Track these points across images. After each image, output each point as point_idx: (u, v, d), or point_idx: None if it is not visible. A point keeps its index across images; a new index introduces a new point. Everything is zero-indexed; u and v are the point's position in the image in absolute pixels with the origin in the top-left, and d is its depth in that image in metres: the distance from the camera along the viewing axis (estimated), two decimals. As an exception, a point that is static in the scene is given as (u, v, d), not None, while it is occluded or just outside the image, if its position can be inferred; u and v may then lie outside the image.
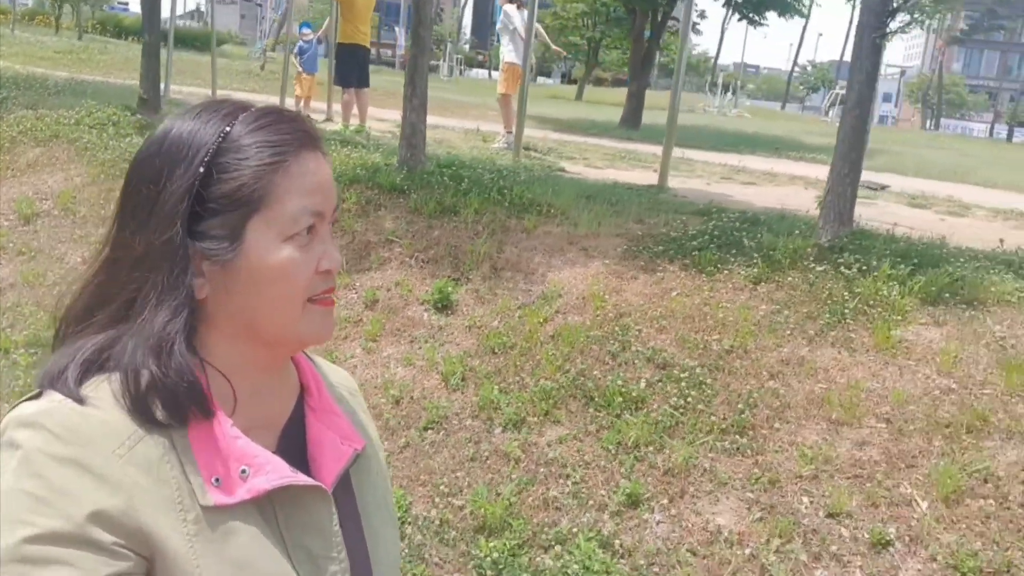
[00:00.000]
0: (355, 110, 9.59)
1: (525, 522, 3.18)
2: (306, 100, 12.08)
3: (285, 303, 0.83)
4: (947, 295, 3.98)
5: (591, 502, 3.24)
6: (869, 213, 5.69)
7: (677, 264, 4.60)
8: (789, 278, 4.30)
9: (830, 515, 3.02)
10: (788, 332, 3.93)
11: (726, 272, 4.44)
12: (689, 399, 3.60)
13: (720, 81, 39.29)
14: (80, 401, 0.76)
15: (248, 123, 0.83)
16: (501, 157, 7.92)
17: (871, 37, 4.52)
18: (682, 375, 3.74)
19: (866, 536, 2.92)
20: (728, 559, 2.92)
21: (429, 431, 3.78)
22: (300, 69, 12.12)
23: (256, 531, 0.80)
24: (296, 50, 12.34)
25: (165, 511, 0.75)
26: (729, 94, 36.68)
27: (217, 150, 0.80)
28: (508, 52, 9.19)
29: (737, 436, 3.40)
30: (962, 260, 4.41)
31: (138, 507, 0.74)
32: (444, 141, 9.18)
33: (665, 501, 3.19)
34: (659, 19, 15.63)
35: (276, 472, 0.81)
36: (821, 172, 6.43)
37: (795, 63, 64.61)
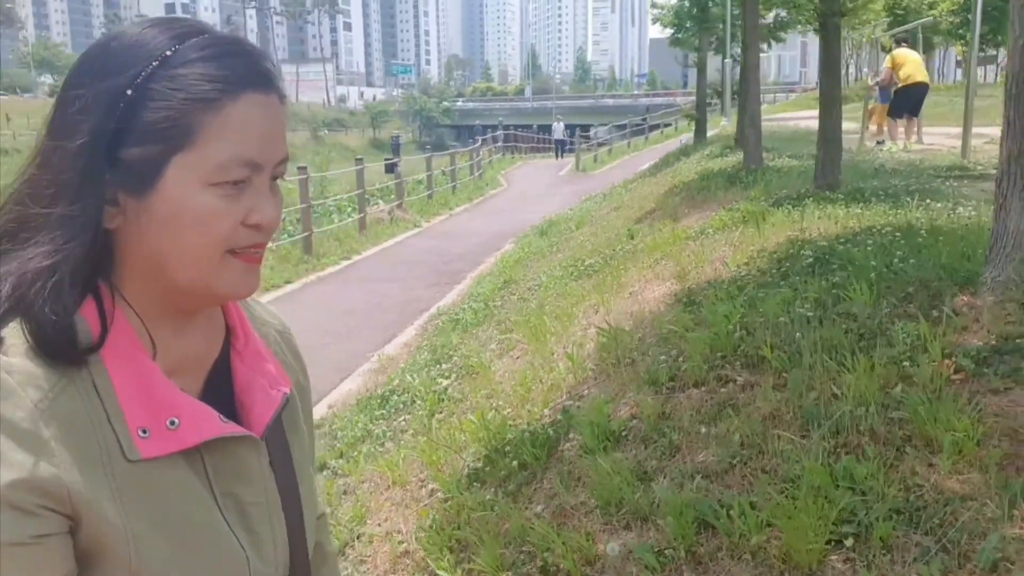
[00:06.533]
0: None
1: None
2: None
3: (199, 252, 0.77)
4: (792, 206, 7.18)
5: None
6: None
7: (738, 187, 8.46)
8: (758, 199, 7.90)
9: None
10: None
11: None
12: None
13: None
14: None
15: (195, 49, 0.75)
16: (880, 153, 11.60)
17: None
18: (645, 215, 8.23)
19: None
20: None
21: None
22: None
23: (185, 482, 0.78)
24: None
25: (90, 466, 0.72)
26: None
27: (151, 74, 0.74)
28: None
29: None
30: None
31: (61, 465, 0.70)
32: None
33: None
34: None
35: (207, 424, 0.80)
36: None
37: None
